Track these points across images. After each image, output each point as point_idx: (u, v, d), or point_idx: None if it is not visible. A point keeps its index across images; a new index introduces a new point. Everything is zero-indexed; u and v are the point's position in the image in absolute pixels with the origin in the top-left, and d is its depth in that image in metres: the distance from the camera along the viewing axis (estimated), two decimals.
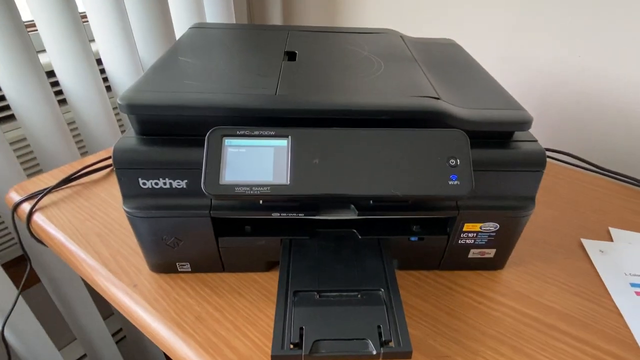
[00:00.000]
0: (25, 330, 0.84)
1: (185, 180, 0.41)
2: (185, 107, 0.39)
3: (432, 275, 0.49)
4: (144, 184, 0.41)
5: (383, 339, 0.34)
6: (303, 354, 0.33)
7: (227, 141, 0.38)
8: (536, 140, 0.44)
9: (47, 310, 0.94)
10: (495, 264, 0.49)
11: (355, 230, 0.46)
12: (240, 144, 0.38)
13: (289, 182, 0.37)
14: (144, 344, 1.18)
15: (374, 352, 0.33)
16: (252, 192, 0.36)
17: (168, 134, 0.40)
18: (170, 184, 0.41)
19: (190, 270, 0.47)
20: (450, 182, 0.38)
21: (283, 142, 0.38)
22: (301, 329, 0.35)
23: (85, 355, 1.10)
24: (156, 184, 0.41)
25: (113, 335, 1.10)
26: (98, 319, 1.00)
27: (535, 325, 0.43)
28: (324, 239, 0.45)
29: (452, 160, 0.38)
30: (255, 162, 0.38)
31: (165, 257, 0.46)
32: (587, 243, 0.55)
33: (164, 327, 0.42)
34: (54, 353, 0.92)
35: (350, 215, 0.43)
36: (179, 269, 0.47)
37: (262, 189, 0.37)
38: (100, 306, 1.00)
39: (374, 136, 0.38)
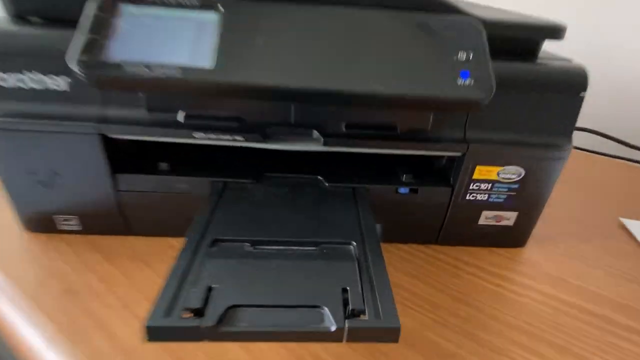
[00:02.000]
0: None
1: (65, 78, 0.27)
2: None
3: (428, 250, 0.35)
4: (4, 79, 0.27)
5: (350, 308, 0.20)
6: (202, 325, 0.18)
7: (125, 8, 0.25)
8: (571, 60, 0.32)
9: None
10: (515, 238, 0.36)
11: (321, 178, 0.33)
12: (145, 13, 0.25)
13: (212, 66, 0.24)
14: None
15: (333, 328, 0.19)
16: (151, 74, 0.23)
17: (50, 17, 0.28)
18: (43, 82, 0.27)
19: (80, 228, 0.32)
20: (459, 81, 0.25)
21: (212, 16, 0.26)
22: (210, 289, 0.20)
23: None
24: (21, 80, 0.27)
25: None
26: None
27: (582, 317, 0.29)
28: (275, 185, 0.32)
29: (461, 52, 0.26)
30: (167, 38, 0.25)
31: (39, 204, 0.31)
32: (629, 223, 0.42)
33: (9, 303, 0.27)
34: None
35: (313, 145, 0.30)
36: (59, 226, 0.32)
37: (168, 70, 0.23)
38: None
39: (348, 15, 0.26)
